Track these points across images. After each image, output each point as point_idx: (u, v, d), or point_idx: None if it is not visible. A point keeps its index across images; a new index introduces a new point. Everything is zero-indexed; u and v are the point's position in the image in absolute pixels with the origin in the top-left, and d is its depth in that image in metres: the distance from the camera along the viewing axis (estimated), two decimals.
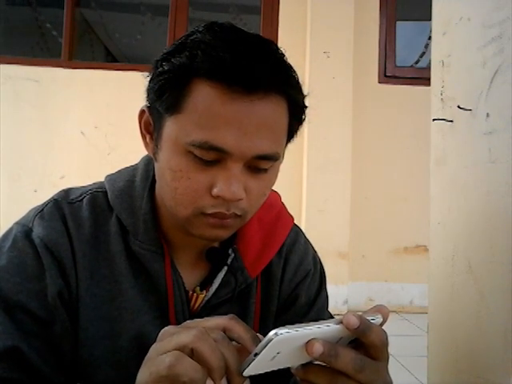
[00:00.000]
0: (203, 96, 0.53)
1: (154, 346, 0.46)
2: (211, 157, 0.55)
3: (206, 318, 0.49)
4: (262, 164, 0.57)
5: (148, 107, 0.61)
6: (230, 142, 0.53)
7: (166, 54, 0.57)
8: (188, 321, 0.49)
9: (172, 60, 0.55)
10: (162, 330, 0.47)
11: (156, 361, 0.44)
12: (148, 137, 0.62)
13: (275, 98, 0.55)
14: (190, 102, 0.54)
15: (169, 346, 0.44)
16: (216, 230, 0.59)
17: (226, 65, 0.52)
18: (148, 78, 0.59)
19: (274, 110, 0.55)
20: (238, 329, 0.47)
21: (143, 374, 0.45)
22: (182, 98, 0.55)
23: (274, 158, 0.58)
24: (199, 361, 0.43)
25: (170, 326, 0.47)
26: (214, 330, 0.46)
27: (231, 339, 0.46)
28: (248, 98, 0.53)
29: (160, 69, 0.56)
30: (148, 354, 0.46)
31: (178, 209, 0.59)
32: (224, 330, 0.46)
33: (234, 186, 0.55)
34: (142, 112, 0.62)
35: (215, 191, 0.55)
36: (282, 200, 0.78)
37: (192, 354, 0.43)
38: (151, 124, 0.61)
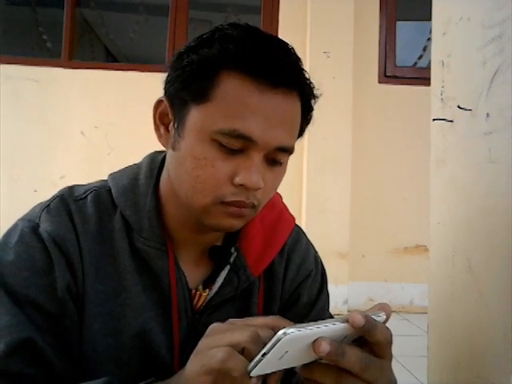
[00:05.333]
0: (232, 86, 0.56)
1: (203, 340, 0.48)
2: (237, 145, 0.57)
3: (253, 317, 0.51)
4: (280, 156, 0.60)
5: (167, 97, 0.61)
6: (256, 131, 0.56)
7: (190, 47, 0.59)
8: (234, 319, 0.51)
9: (201, 51, 0.57)
10: (210, 327, 0.49)
11: (208, 354, 0.46)
12: (162, 128, 0.64)
13: (293, 96, 0.59)
14: (219, 91, 0.56)
15: (221, 342, 0.46)
16: (231, 220, 0.60)
17: (257, 59, 0.56)
18: (166, 72, 0.61)
19: (293, 106, 0.59)
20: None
21: (194, 366, 0.47)
22: (210, 87, 0.57)
23: (290, 151, 0.60)
24: (248, 360, 0.44)
25: (217, 324, 0.49)
26: (263, 328, 0.47)
27: None
28: (273, 92, 0.56)
29: (187, 59, 0.58)
30: (198, 347, 0.48)
31: (197, 197, 0.59)
32: (273, 329, 0.47)
33: (256, 175, 0.57)
34: (158, 102, 0.63)
35: (238, 180, 0.57)
36: (283, 200, 0.78)
37: (242, 352, 0.45)
38: (167, 114, 0.62)
